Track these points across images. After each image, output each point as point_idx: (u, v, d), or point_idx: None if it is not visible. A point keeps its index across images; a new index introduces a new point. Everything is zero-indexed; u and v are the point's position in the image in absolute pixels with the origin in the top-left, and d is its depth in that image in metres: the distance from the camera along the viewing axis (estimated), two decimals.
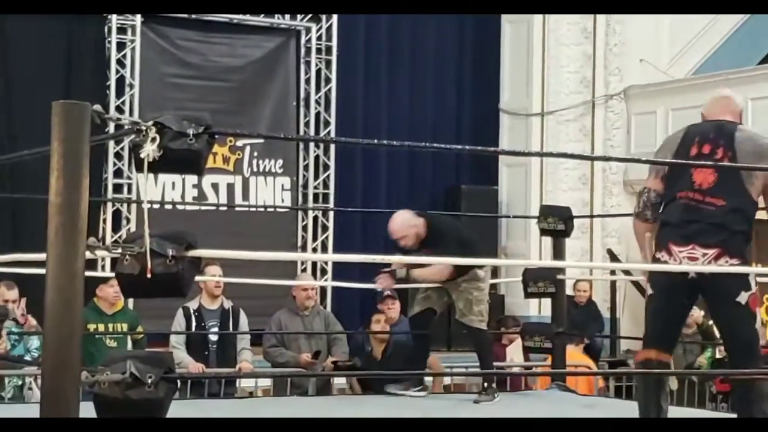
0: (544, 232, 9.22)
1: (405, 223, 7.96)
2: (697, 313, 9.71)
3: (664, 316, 5.48)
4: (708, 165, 5.34)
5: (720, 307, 5.39)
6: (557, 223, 8.88)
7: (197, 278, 4.81)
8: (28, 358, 8.96)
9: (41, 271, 3.09)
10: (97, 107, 3.15)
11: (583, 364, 10.26)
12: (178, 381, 3.49)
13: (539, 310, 12.78)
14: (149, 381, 3.24)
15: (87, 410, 3.17)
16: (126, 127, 3.42)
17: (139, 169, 3.35)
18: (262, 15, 13.28)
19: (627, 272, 11.89)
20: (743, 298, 5.22)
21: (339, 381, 10.04)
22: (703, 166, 5.36)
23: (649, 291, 5.62)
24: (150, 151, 3.29)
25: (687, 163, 5.42)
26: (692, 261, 5.26)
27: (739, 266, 5.19)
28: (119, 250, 3.35)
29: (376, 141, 5.10)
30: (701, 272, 5.20)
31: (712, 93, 5.91)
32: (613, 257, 13.72)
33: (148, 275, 3.33)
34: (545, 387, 9.50)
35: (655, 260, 5.42)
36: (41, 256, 3.07)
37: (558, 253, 9.15)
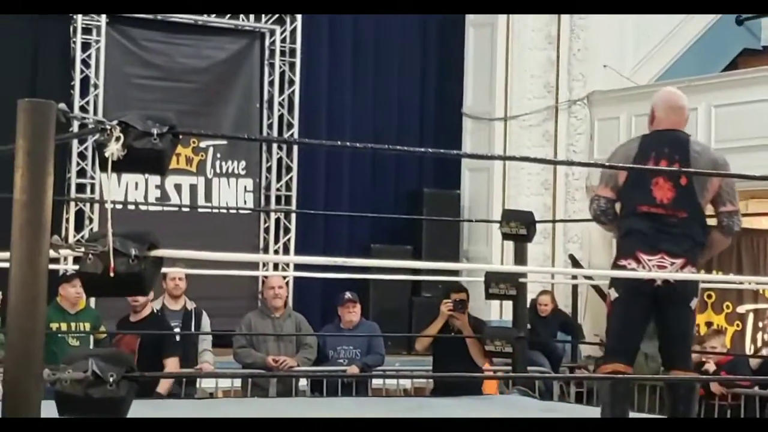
0: (506, 236, 9.24)
1: None
2: None
3: (629, 323, 5.71)
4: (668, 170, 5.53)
5: (674, 311, 5.65)
6: (519, 227, 8.91)
7: (164, 271, 4.82)
8: None
9: (4, 265, 3.09)
10: (62, 106, 3.15)
11: None
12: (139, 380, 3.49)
13: (500, 314, 12.82)
14: (111, 379, 3.24)
15: (49, 409, 3.18)
16: (90, 126, 3.42)
17: (103, 169, 3.35)
18: (227, 17, 13.29)
19: (589, 277, 11.95)
20: (694, 303, 5.61)
21: (303, 383, 10.03)
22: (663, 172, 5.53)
23: (614, 295, 5.79)
24: (114, 150, 3.29)
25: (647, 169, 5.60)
26: (661, 269, 5.51)
27: (698, 275, 5.73)
28: (82, 249, 3.36)
29: (339, 143, 5.13)
30: (667, 280, 5.45)
31: (668, 95, 6.02)
32: (575, 263, 13.78)
33: (111, 274, 3.34)
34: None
35: (620, 267, 5.66)
36: (4, 254, 3.07)
37: (520, 257, 9.18)
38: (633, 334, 5.72)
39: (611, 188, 5.78)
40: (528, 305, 10.14)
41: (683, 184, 5.58)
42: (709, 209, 5.78)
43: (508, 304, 10.49)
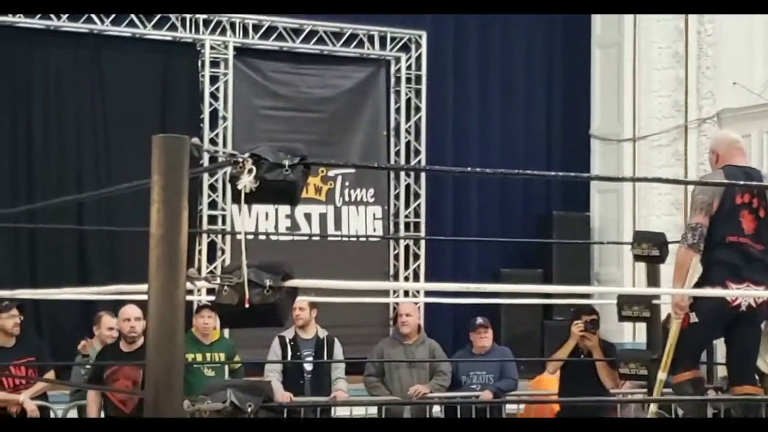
0: (638, 258, 9.11)
1: None
2: None
3: (707, 342, 6.83)
4: None
5: (752, 332, 6.50)
6: (652, 248, 8.78)
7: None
8: None
9: (140, 297, 3.13)
10: (195, 140, 3.19)
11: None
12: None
13: (633, 336, 12.64)
14: (249, 410, 3.27)
15: None
16: (222, 159, 3.46)
17: (237, 201, 3.38)
18: (352, 46, 13.40)
19: None
20: (764, 326, 6.50)
21: (436, 409, 10.01)
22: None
23: (694, 318, 6.56)
24: (247, 182, 3.33)
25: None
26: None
27: None
28: (218, 281, 3.39)
29: (468, 169, 5.10)
30: (751, 304, 6.23)
31: (726, 135, 6.97)
32: None
33: (246, 305, 3.37)
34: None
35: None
36: (143, 287, 3.12)
37: (653, 279, 9.04)
38: (704, 351, 6.84)
39: (710, 217, 6.38)
40: (662, 326, 9.98)
41: (762, 216, 6.25)
42: None
43: (642, 326, 10.35)
